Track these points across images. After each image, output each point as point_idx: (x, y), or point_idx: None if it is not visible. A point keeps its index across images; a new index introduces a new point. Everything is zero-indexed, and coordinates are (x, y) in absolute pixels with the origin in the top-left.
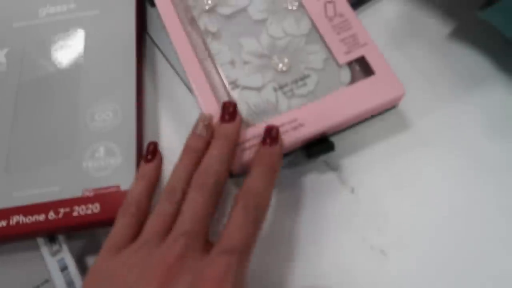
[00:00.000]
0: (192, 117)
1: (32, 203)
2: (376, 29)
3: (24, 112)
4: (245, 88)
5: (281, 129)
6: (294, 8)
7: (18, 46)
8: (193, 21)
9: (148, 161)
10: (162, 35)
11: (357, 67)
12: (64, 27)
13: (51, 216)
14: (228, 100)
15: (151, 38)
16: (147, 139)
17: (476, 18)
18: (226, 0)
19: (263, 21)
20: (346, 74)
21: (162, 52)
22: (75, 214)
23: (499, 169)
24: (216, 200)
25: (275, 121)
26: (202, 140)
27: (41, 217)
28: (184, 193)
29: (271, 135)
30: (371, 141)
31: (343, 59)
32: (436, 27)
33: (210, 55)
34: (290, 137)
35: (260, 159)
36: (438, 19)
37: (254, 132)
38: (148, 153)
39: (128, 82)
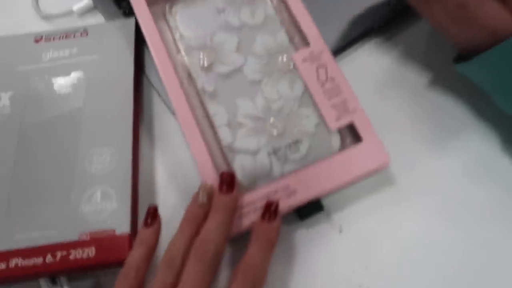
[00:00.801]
0: (186, 161)
1: (31, 246)
2: (356, 77)
3: (25, 155)
4: (241, 151)
5: (275, 196)
6: (288, 69)
7: (21, 90)
8: (190, 79)
9: (148, 225)
10: (159, 76)
11: (346, 132)
12: (66, 71)
13: (49, 259)
14: (227, 171)
15: (149, 79)
16: (143, 183)
17: (451, 69)
18: (222, 59)
19: (258, 82)
20: (336, 140)
21: (159, 93)
22: (71, 257)
23: (477, 212)
24: (215, 270)
25: (269, 187)
26: (202, 210)
27: (39, 260)
28: (184, 263)
29: (271, 210)
30: (357, 186)
31: (334, 125)
32: (414, 76)
33: (207, 115)
34: (284, 204)
35: (258, 234)
36: (417, 69)
37: (249, 199)
38: (148, 217)
39: (125, 126)
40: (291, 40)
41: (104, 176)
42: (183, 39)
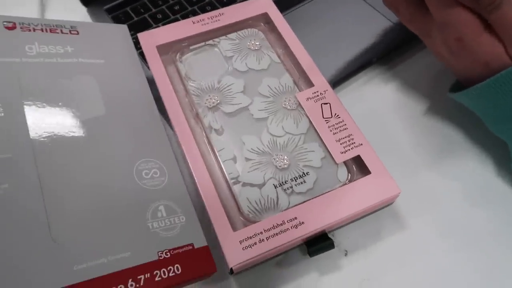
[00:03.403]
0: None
1: (103, 275)
2: (355, 106)
3: (51, 171)
4: (247, 184)
5: (282, 227)
6: (293, 108)
7: (9, 88)
8: (197, 117)
9: None
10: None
11: (353, 166)
12: (68, 72)
13: (131, 285)
14: None
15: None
16: None
17: (447, 97)
18: (229, 99)
19: (264, 119)
20: (343, 172)
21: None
22: (157, 279)
23: (478, 235)
24: None
25: (276, 218)
26: None
27: None
28: None
29: None
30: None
31: (339, 158)
32: (412, 105)
33: (213, 151)
34: (292, 235)
35: None
36: (414, 97)
37: (255, 229)
38: None
39: (160, 137)
40: (295, 82)
41: (160, 191)
42: (191, 82)
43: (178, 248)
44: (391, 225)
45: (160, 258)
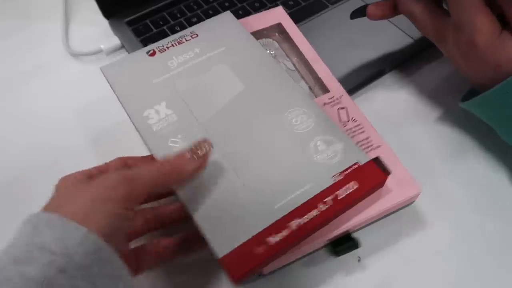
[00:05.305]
0: None
1: (298, 205)
2: (369, 115)
3: (228, 140)
4: None
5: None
6: None
7: (172, 97)
8: None
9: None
10: None
11: None
12: (205, 68)
13: (321, 208)
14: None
15: None
16: None
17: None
18: None
19: None
20: None
21: None
22: (342, 197)
23: (489, 243)
24: None
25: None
26: None
27: (315, 213)
28: None
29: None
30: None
31: None
32: (425, 112)
33: None
34: (317, 235)
35: None
36: (427, 105)
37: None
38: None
39: (293, 87)
40: (311, 88)
41: (312, 130)
42: None
43: (347, 169)
44: (409, 228)
45: (336, 181)
